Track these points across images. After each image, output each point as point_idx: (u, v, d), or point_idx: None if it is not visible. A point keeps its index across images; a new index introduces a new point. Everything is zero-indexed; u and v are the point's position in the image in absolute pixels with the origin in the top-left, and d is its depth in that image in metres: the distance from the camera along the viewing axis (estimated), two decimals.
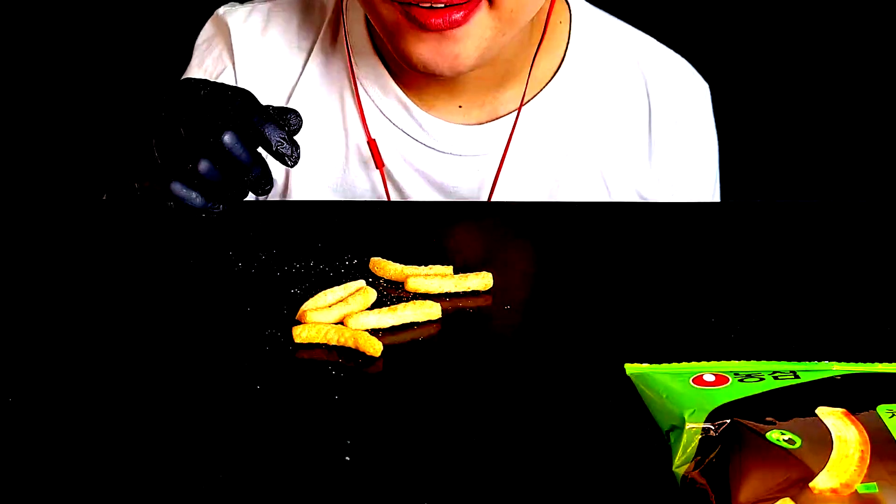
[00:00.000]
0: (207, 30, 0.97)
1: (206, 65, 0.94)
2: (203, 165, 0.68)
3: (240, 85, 0.91)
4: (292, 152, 0.69)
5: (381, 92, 0.91)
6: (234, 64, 0.93)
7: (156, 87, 0.73)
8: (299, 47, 0.94)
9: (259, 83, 0.92)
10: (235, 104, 0.70)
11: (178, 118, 0.70)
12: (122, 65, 1.68)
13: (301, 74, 0.93)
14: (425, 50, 0.79)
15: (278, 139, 0.69)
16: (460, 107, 0.92)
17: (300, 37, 0.94)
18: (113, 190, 0.76)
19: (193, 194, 0.69)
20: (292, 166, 0.70)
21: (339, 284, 0.66)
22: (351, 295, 0.64)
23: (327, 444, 0.52)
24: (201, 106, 0.70)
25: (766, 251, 0.75)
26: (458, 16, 0.76)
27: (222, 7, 0.97)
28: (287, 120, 0.70)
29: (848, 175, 1.62)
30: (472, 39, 0.78)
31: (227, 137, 0.68)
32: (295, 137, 0.73)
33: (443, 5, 0.76)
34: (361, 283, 0.66)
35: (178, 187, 0.68)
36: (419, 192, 0.92)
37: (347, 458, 0.51)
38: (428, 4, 0.76)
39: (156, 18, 1.66)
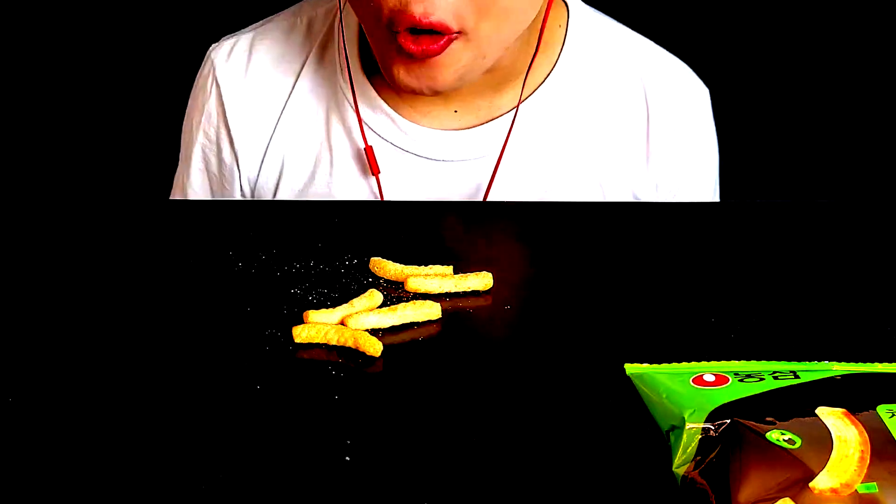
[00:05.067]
0: (203, 70, 1.00)
1: (206, 109, 0.97)
2: None
3: (231, 119, 0.95)
4: None
5: (370, 109, 0.93)
6: (223, 107, 0.96)
7: None
8: (287, 69, 0.96)
9: (250, 112, 0.95)
10: None
11: None
12: (123, 65, 1.69)
13: (291, 94, 0.96)
14: (405, 74, 0.84)
15: None
16: (455, 111, 0.92)
17: (287, 59, 0.96)
18: None
19: None
20: None
21: (338, 284, 0.66)
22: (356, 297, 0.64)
23: (327, 444, 0.52)
24: None
25: (766, 251, 0.75)
26: (434, 46, 0.81)
27: (214, 45, 0.99)
28: None
29: (848, 175, 1.62)
30: (448, 66, 0.83)
31: None
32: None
33: (423, 31, 0.80)
34: (374, 291, 0.65)
35: None
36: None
37: (347, 458, 0.51)
38: (403, 28, 0.79)
39: (161, 21, 1.66)
